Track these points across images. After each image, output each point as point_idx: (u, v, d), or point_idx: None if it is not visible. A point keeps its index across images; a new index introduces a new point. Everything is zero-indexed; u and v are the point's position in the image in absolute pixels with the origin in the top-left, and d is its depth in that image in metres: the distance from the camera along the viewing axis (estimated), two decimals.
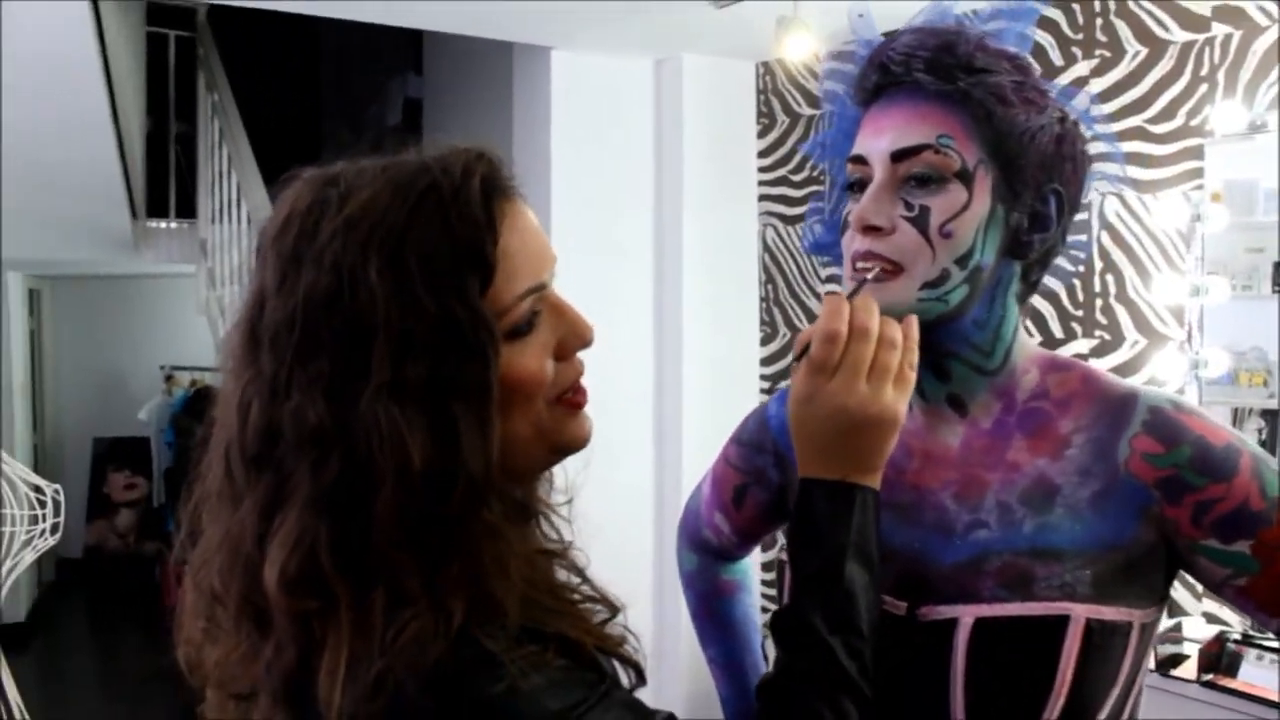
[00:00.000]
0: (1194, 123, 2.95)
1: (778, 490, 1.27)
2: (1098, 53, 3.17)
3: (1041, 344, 3.41)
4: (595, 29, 3.81)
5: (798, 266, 4.24)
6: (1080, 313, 3.22)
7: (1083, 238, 1.12)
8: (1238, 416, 2.85)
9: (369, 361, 0.79)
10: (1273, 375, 2.75)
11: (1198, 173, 2.93)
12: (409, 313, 0.79)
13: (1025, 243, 1.05)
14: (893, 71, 1.05)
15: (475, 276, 0.82)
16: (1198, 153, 2.93)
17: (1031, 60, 1.10)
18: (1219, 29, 2.90)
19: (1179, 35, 2.99)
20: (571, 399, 0.91)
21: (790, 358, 0.99)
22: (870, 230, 1.02)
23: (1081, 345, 3.21)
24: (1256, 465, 0.99)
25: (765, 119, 4.35)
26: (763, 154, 4.36)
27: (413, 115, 6.72)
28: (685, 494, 4.14)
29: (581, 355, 0.92)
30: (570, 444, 0.92)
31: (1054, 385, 1.09)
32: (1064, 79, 3.19)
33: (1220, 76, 2.90)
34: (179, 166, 5.98)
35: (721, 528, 1.35)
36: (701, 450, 4.16)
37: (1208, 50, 2.92)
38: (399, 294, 0.80)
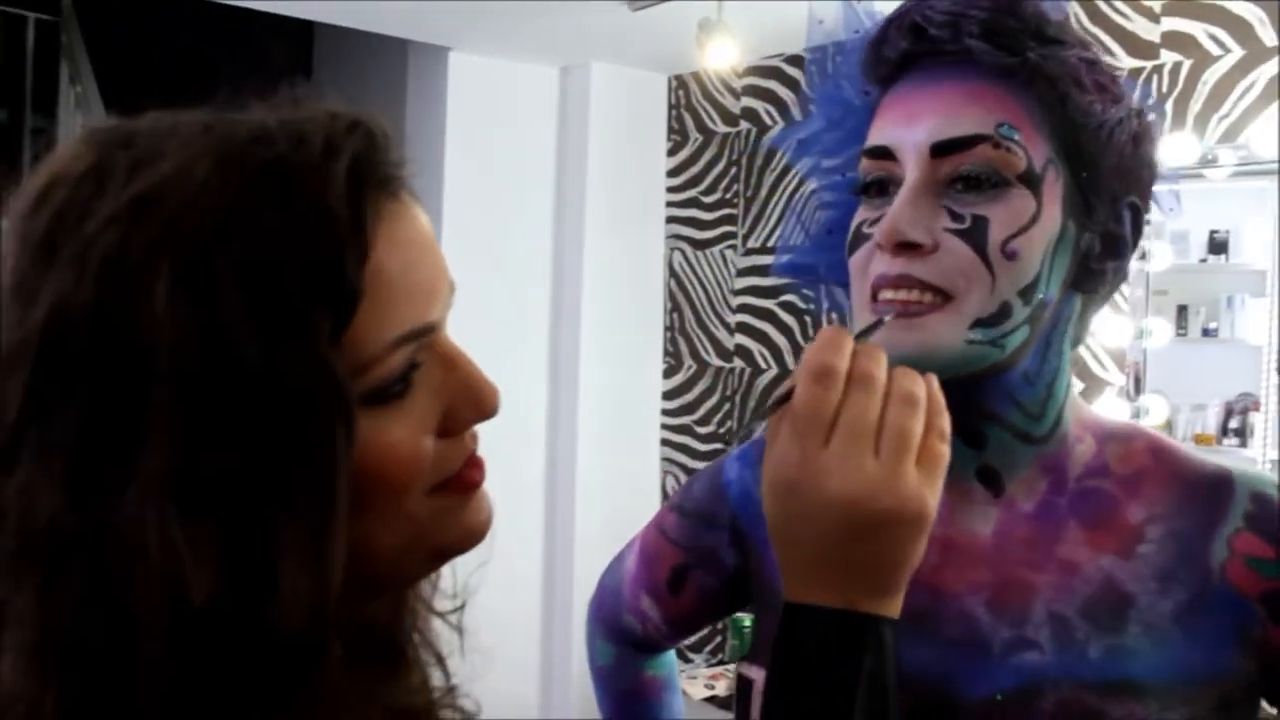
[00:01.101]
0: None
1: (732, 577, 0.97)
2: None
3: None
4: (497, 30, 3.55)
5: (706, 294, 3.99)
6: None
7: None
8: None
9: (141, 431, 0.50)
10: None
11: None
12: (213, 358, 0.50)
13: (1096, 273, 0.81)
14: (931, 37, 0.79)
15: (327, 309, 0.53)
16: None
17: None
18: (1168, 56, 2.72)
19: (1126, 61, 2.80)
20: (461, 481, 0.64)
21: (753, 415, 0.81)
22: (905, 248, 0.76)
23: None
24: None
25: (676, 136, 4.11)
26: (672, 173, 4.12)
27: None
28: (578, 547, 3.86)
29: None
30: (460, 543, 0.66)
31: (1115, 458, 0.83)
32: None
33: (1168, 107, 2.71)
34: (35, 163, 5.48)
35: (650, 614, 1.04)
36: (595, 496, 3.89)
37: (1155, 79, 2.74)
38: (199, 327, 0.50)
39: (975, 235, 0.75)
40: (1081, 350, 2.83)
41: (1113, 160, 0.78)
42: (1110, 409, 2.72)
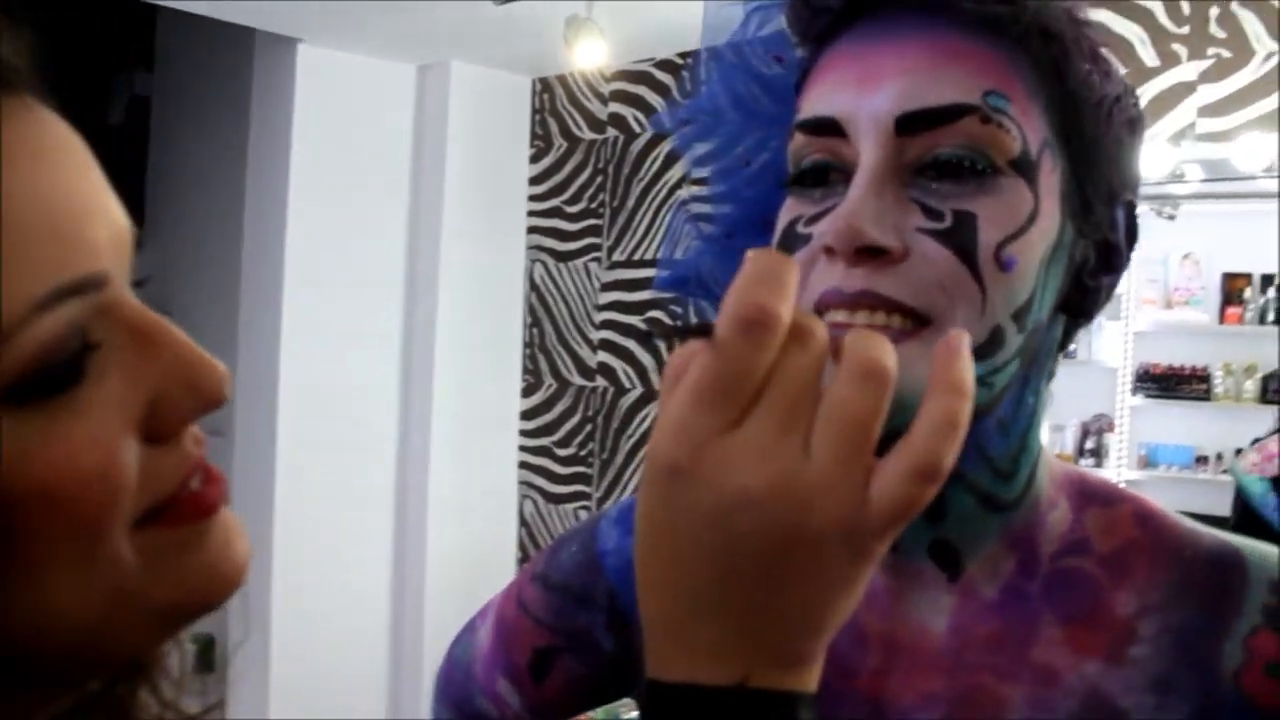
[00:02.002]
0: None
1: (609, 664, 0.78)
2: (1211, 52, 2.72)
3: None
4: (351, 22, 3.36)
5: (569, 309, 3.83)
6: None
7: None
8: None
9: None
10: None
11: None
12: None
13: (1090, 290, 0.65)
14: None
15: None
16: None
17: None
18: None
19: None
20: (186, 505, 0.45)
21: (661, 332, 0.50)
22: (867, 254, 0.58)
23: None
24: None
25: (540, 142, 3.94)
26: (535, 180, 3.95)
27: (139, 114, 6.06)
28: (430, 587, 3.64)
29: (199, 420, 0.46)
30: (194, 598, 0.46)
31: (1097, 530, 0.67)
32: (1159, 84, 2.69)
33: None
34: None
35: (508, 701, 0.84)
36: (448, 521, 3.69)
37: None
38: None
39: (960, 237, 0.58)
40: None
41: (1111, 147, 0.63)
42: None
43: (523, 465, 3.91)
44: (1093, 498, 0.68)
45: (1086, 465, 3.04)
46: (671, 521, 0.43)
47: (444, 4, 3.09)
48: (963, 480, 0.63)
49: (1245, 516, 2.82)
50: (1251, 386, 3.18)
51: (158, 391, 0.43)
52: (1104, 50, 0.65)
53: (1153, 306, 3.31)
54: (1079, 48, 0.62)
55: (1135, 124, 0.65)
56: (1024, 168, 0.59)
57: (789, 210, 0.62)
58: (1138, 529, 0.66)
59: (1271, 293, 3.10)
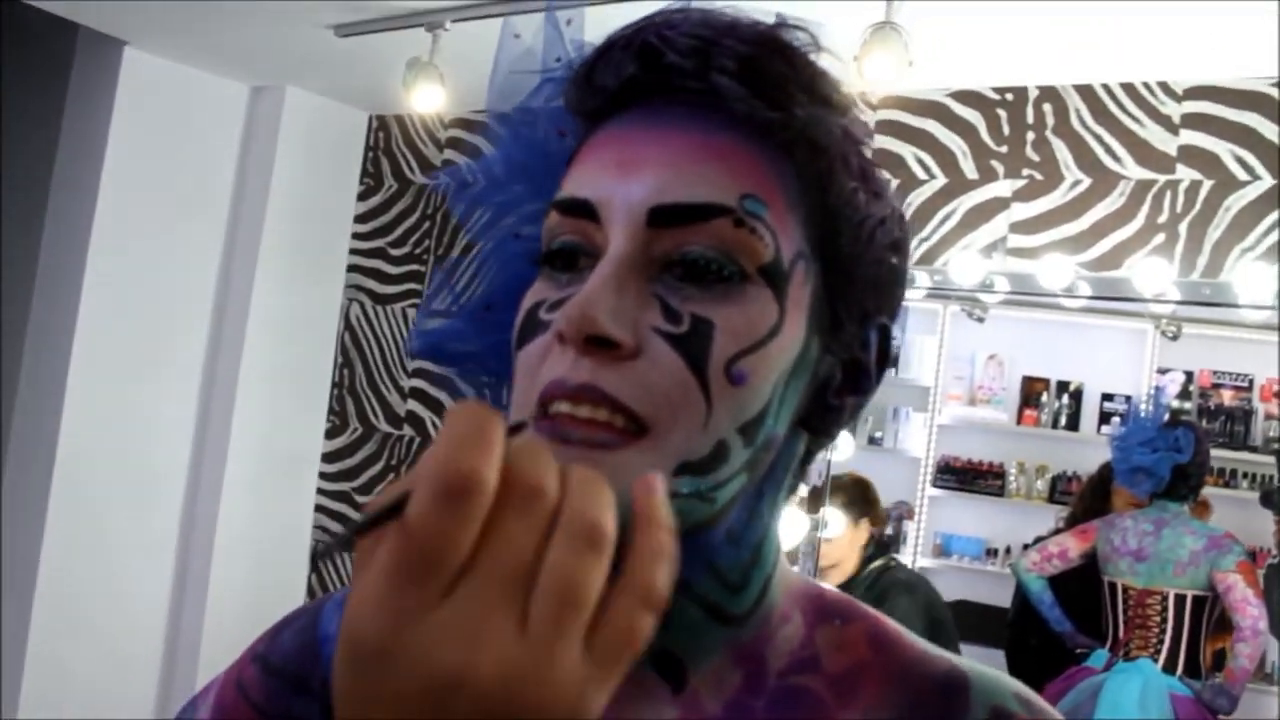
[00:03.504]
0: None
1: None
2: (1025, 173, 2.76)
3: None
4: (183, 31, 3.22)
5: (382, 354, 3.73)
6: None
7: None
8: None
9: None
10: None
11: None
12: None
13: (833, 409, 0.64)
14: (670, 64, 0.59)
15: None
16: None
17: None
18: (1184, 173, 2.60)
19: (1134, 171, 2.67)
20: None
21: (336, 543, 0.42)
22: (597, 345, 0.55)
23: None
24: None
25: (370, 180, 3.85)
26: (361, 219, 3.85)
27: None
28: (208, 631, 3.45)
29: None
30: None
31: (828, 648, 0.66)
32: (976, 197, 2.77)
33: (1182, 229, 2.59)
34: None
35: None
36: (234, 559, 3.50)
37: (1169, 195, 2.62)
38: None
39: (693, 346, 0.56)
40: None
41: (870, 268, 0.63)
42: (790, 524, 2.69)
43: (319, 509, 3.76)
44: (828, 614, 0.67)
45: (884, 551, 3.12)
46: (374, 704, 0.40)
47: (286, 26, 2.99)
48: (690, 591, 0.61)
49: (1023, 610, 2.94)
50: (1042, 485, 3.33)
51: None
52: (878, 171, 0.64)
53: (957, 402, 3.43)
54: (846, 164, 0.61)
55: (899, 247, 0.64)
56: (774, 277, 0.58)
57: (534, 293, 0.60)
58: (869, 649, 0.65)
59: (1065, 399, 3.26)
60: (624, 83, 0.60)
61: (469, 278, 0.71)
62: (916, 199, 2.70)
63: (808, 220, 0.60)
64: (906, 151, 2.72)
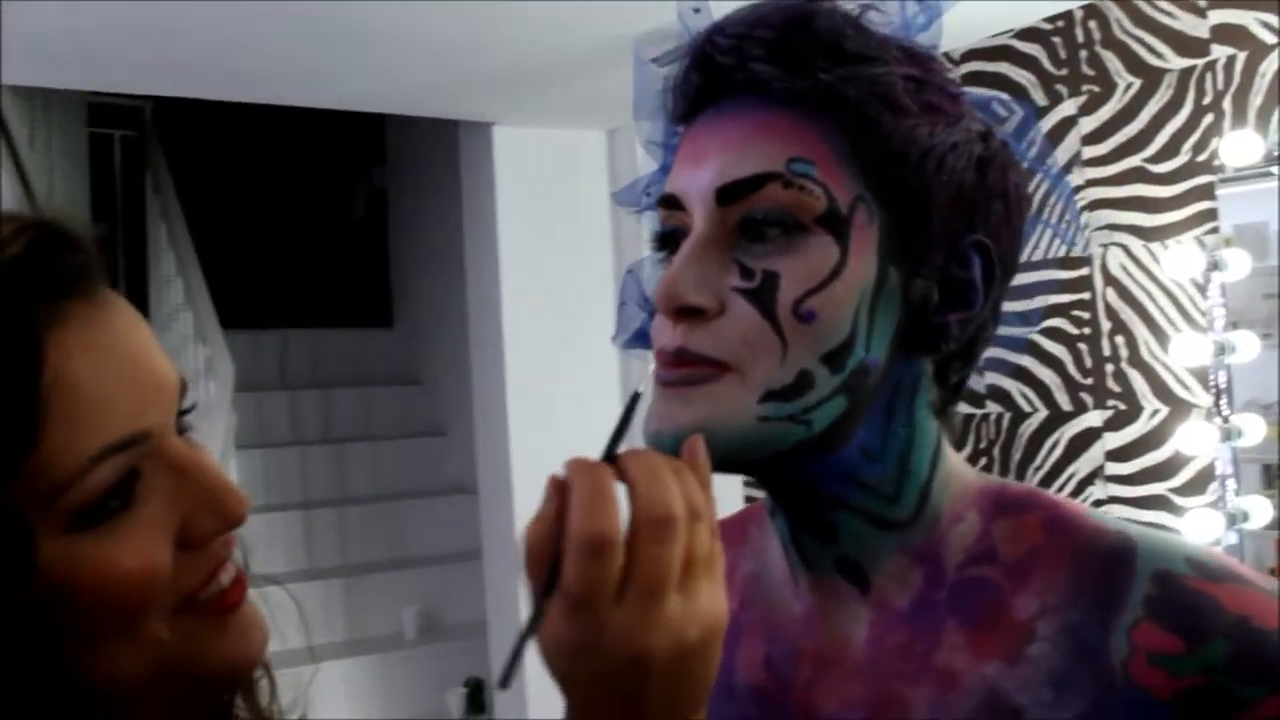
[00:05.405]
0: (1201, 158, 2.59)
1: None
2: (1085, 88, 2.83)
3: (1048, 420, 3.15)
4: (535, 101, 3.52)
5: None
6: (1090, 380, 2.82)
7: (1019, 307, 0.74)
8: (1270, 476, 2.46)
9: None
10: None
11: (1211, 214, 2.56)
12: None
13: (937, 327, 0.69)
14: (720, 67, 0.69)
15: None
16: (1208, 192, 2.56)
17: (937, 54, 0.73)
18: (1219, 51, 2.55)
19: (1175, 62, 2.64)
20: (212, 601, 0.60)
21: (528, 632, 0.58)
22: (686, 314, 0.66)
23: (1094, 418, 2.81)
24: None
25: None
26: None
27: (377, 206, 6.46)
28: None
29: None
30: (219, 670, 0.61)
31: (1004, 538, 0.70)
32: (1050, 121, 2.88)
33: (1227, 105, 2.54)
34: (127, 271, 5.70)
35: None
36: None
37: (1209, 76, 2.57)
38: None
39: (763, 295, 0.65)
40: (1162, 372, 2.64)
41: (946, 193, 0.67)
42: (1200, 437, 2.52)
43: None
44: (1005, 509, 0.72)
45: None
46: (586, 677, 0.56)
47: (625, 69, 3.19)
48: (845, 505, 0.70)
49: None
50: None
51: (189, 512, 0.57)
52: (953, 98, 0.69)
53: None
54: (895, 107, 0.66)
55: (986, 164, 0.69)
56: (832, 223, 0.66)
57: (653, 277, 0.71)
58: (1044, 534, 0.69)
59: None
60: (696, 90, 0.71)
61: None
62: (1269, 68, 2.46)
63: (862, 166, 0.67)
64: (1249, 19, 2.49)
